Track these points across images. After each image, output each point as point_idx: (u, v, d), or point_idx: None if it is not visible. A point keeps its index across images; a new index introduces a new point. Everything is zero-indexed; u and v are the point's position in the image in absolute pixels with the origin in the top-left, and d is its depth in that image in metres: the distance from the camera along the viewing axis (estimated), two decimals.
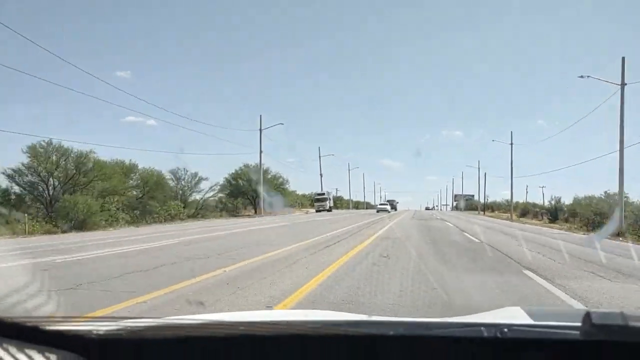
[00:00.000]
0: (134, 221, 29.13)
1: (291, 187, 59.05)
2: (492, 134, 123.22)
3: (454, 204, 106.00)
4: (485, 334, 1.09)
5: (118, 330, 1.06)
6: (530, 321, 1.38)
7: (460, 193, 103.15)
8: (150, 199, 35.12)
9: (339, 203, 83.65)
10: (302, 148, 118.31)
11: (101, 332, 1.03)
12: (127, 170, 35.30)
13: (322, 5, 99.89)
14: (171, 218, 33.27)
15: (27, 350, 0.91)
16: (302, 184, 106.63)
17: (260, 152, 47.25)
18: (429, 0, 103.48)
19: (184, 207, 37.26)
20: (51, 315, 3.81)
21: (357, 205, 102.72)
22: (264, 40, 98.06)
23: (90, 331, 1.03)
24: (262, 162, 46.64)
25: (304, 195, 70.99)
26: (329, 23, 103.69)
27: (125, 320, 1.14)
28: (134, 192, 35.47)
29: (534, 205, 57.24)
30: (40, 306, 4.91)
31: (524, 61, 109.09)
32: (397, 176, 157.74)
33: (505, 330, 1.09)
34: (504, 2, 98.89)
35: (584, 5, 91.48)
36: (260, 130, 46.44)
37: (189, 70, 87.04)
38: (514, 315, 1.55)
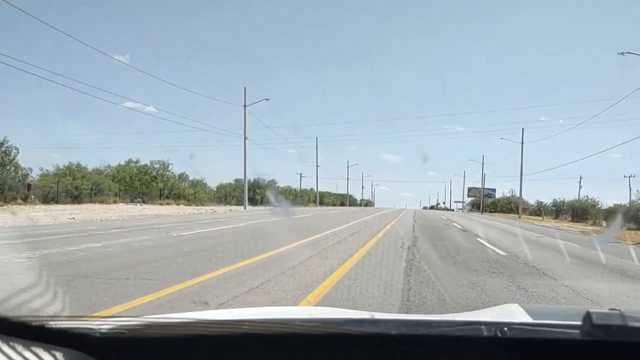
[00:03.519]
0: None
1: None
2: (496, 128, 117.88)
3: (469, 201, 79.49)
4: (485, 333, 1.09)
5: (121, 328, 1.08)
6: (529, 320, 1.38)
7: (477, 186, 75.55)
8: None
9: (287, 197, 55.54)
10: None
11: (104, 331, 1.05)
12: None
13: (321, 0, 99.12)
14: None
15: (33, 348, 0.93)
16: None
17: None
18: None
19: None
20: (57, 314, 3.85)
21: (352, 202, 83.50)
22: (263, 28, 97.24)
23: (93, 330, 1.05)
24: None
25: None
26: (329, 16, 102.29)
27: (130, 319, 1.16)
28: None
29: None
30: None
31: (527, 53, 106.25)
32: (396, 171, 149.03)
33: (505, 329, 1.09)
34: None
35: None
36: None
37: None
38: (513, 314, 1.55)
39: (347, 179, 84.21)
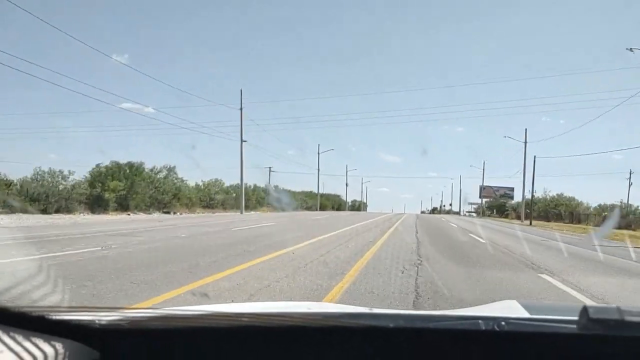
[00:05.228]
0: None
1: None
2: (496, 130, 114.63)
3: (484, 202, 65.87)
4: (483, 327, 1.10)
5: (120, 320, 1.09)
6: (527, 315, 1.38)
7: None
8: None
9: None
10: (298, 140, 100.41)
11: (103, 322, 1.06)
12: None
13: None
14: None
15: (32, 339, 0.94)
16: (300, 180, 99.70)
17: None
18: None
19: None
20: (56, 305, 3.88)
21: (337, 206, 68.00)
22: (263, 29, 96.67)
23: (93, 321, 1.06)
24: None
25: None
26: (329, 16, 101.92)
27: (129, 311, 1.17)
28: None
29: None
30: None
31: (528, 55, 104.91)
32: (396, 172, 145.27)
33: (503, 323, 1.10)
34: None
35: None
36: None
37: None
38: (511, 309, 1.56)
39: (318, 169, 61.17)
